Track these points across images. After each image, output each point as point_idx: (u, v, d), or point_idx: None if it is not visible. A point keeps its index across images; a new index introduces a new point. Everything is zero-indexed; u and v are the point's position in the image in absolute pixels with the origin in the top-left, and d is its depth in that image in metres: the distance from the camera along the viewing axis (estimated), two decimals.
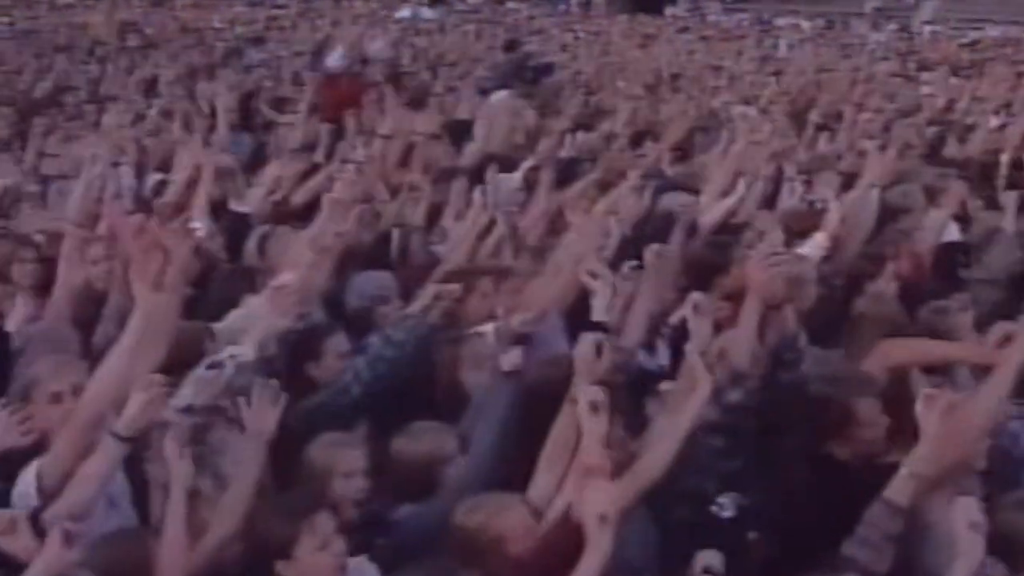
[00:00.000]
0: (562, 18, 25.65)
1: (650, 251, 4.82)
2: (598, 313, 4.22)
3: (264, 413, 3.63)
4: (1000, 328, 3.96)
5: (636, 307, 4.64)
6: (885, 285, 5.24)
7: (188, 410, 3.67)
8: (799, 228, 5.91)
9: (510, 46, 13.61)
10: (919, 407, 3.31)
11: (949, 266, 6.15)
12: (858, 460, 3.79)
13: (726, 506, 3.67)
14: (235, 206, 6.18)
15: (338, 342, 4.51)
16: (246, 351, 3.93)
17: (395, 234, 5.54)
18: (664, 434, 3.58)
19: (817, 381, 3.90)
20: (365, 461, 3.73)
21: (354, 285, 5.10)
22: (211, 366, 3.81)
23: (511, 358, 3.87)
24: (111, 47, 16.77)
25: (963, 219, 6.69)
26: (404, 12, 26.29)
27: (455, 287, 4.53)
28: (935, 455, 3.27)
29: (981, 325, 5.16)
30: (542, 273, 4.93)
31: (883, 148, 7.28)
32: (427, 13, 26.35)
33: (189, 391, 3.72)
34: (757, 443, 3.77)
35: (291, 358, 4.43)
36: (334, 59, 9.78)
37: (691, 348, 3.73)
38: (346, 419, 4.16)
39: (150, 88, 11.96)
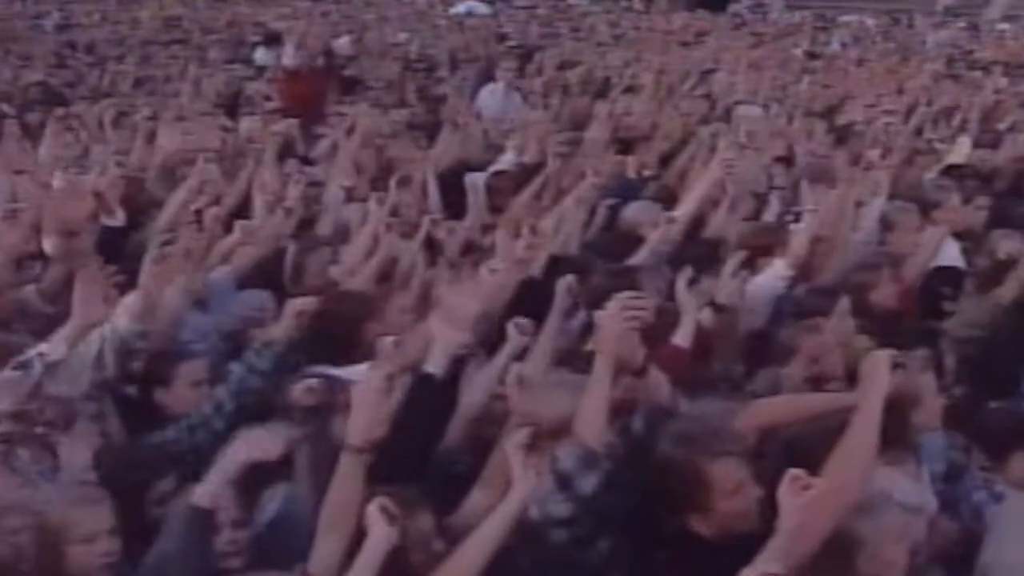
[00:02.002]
0: (619, 15, 24.95)
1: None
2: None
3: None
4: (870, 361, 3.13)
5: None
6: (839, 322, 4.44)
7: None
8: (761, 247, 5.19)
9: (502, 40, 13.13)
10: (781, 489, 2.63)
11: (934, 298, 5.26)
12: (723, 536, 2.96)
13: None
14: (107, 221, 5.49)
15: (193, 369, 4.04)
16: (56, 349, 3.48)
17: (289, 250, 4.97)
18: (469, 546, 2.88)
19: (666, 441, 3.04)
20: (110, 519, 3.05)
21: (229, 303, 4.59)
22: (17, 367, 3.40)
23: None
24: (135, 43, 16.51)
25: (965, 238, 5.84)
26: (459, 8, 25.92)
27: (310, 300, 4.00)
28: (792, 550, 2.58)
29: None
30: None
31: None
32: (482, 9, 25.91)
33: None
34: (626, 523, 3.10)
35: (140, 382, 3.99)
36: (287, 56, 9.30)
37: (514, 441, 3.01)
38: (204, 456, 3.53)
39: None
